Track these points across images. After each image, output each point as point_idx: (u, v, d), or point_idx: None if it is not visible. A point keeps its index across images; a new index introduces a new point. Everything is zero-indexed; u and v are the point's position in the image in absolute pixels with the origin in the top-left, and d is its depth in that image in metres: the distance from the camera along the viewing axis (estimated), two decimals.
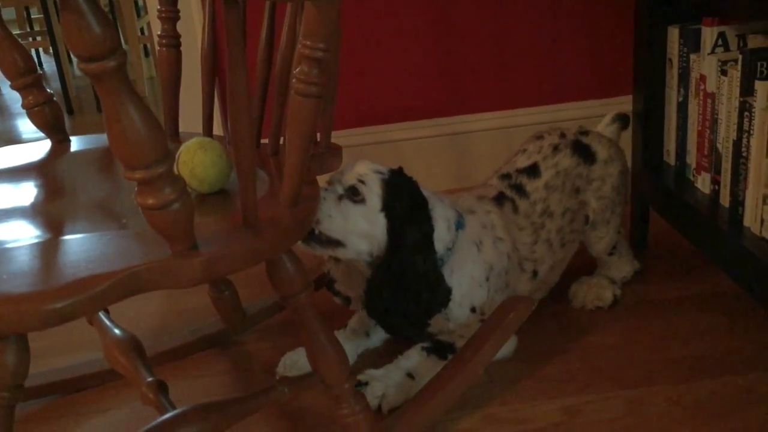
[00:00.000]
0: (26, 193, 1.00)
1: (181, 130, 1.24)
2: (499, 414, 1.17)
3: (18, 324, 0.72)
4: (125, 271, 0.76)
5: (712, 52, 1.35)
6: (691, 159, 1.44)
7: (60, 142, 1.20)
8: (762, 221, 1.20)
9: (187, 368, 1.34)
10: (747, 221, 1.24)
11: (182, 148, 0.99)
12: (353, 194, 1.15)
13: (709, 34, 1.35)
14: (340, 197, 1.15)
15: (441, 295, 1.17)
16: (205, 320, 1.44)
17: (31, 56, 1.16)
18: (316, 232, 1.14)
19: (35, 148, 1.18)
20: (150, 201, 0.75)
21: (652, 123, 1.54)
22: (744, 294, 1.41)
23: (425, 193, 1.21)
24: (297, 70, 0.87)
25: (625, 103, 1.85)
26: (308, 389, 1.01)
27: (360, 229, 1.15)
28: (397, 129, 1.96)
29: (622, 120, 1.56)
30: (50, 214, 0.94)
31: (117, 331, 1.10)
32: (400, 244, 1.14)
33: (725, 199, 1.32)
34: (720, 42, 1.35)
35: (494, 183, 1.38)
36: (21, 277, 0.76)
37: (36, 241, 0.85)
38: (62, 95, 3.48)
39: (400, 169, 1.21)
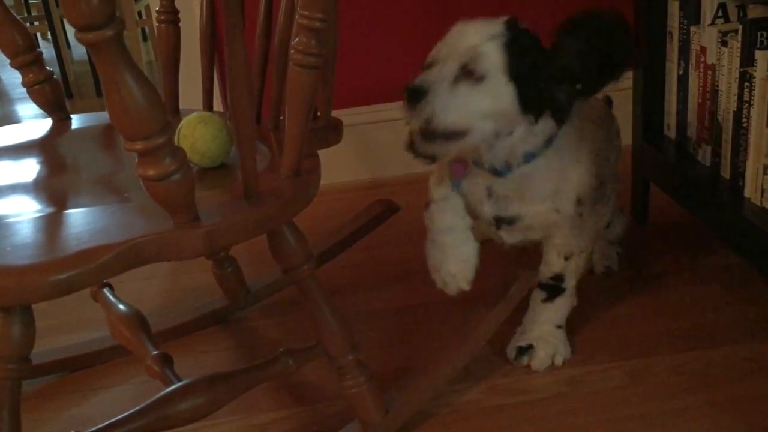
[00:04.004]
0: (28, 169, 1.01)
1: (180, 106, 1.24)
2: (502, 385, 1.17)
3: (23, 295, 0.72)
4: (128, 243, 0.76)
5: (713, 23, 1.34)
6: (692, 132, 1.44)
7: (61, 120, 1.20)
8: (762, 191, 1.20)
9: (191, 345, 1.35)
10: (748, 192, 1.24)
11: (183, 122, 0.99)
12: (470, 74, 0.99)
13: (709, 6, 1.35)
14: (456, 79, 0.99)
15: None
16: (209, 298, 1.44)
17: (30, 34, 1.15)
18: (426, 130, 1.01)
19: (37, 126, 1.18)
20: (150, 172, 0.75)
21: (653, 96, 1.54)
22: (745, 265, 1.42)
23: None
24: (295, 40, 0.87)
25: (625, 78, 1.84)
26: (312, 361, 1.01)
27: (485, 109, 0.99)
28: (396, 108, 1.95)
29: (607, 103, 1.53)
30: (53, 189, 0.94)
31: (122, 306, 1.11)
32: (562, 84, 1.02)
33: (726, 171, 1.32)
34: (720, 13, 1.34)
35: None
36: (25, 249, 0.77)
37: (39, 214, 0.85)
38: (61, 80, 3.47)
39: (515, 21, 1.03)
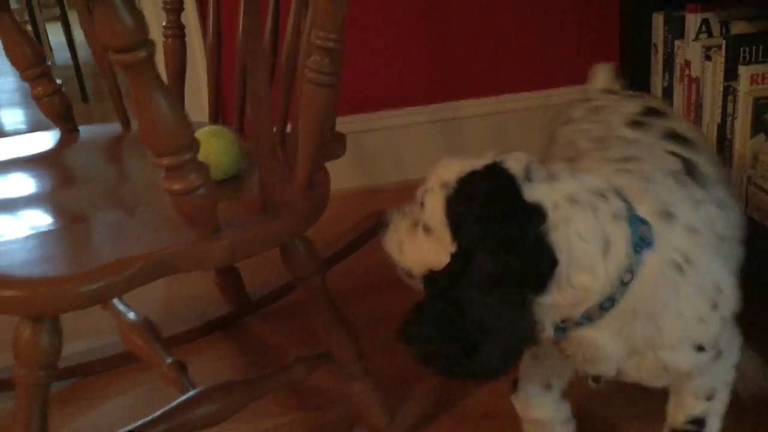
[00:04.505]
0: (46, 181, 1.03)
1: None
2: (504, 388, 1.20)
3: (56, 305, 0.75)
4: (153, 255, 0.79)
5: (696, 38, 1.40)
6: None
7: (69, 131, 1.22)
8: (747, 201, 1.26)
9: (194, 352, 1.38)
10: None
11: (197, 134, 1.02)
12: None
13: (693, 21, 1.41)
14: (416, 222, 0.83)
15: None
16: (210, 306, 1.47)
17: (39, 47, 1.18)
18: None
19: (46, 138, 1.20)
20: (176, 186, 0.78)
21: None
22: None
23: (574, 195, 0.76)
24: (310, 60, 0.90)
25: None
26: (321, 368, 1.05)
27: (431, 261, 0.81)
28: (389, 116, 2.00)
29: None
30: (71, 202, 0.96)
31: (131, 315, 1.13)
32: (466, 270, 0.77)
33: None
34: (704, 28, 1.40)
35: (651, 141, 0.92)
36: (54, 260, 0.80)
37: (62, 227, 0.88)
38: (76, 82, 3.42)
39: (492, 165, 0.79)
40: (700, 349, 0.83)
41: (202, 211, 0.81)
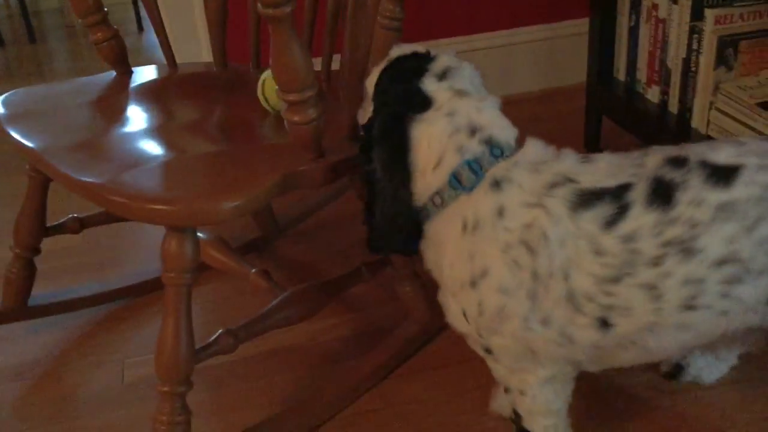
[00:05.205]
0: (132, 117, 1.15)
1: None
2: None
3: (208, 217, 0.91)
4: (279, 174, 0.95)
5: None
6: (642, 75, 1.73)
7: (123, 73, 1.33)
8: (708, 122, 1.50)
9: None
10: (694, 123, 1.54)
11: (265, 75, 1.16)
12: None
13: None
14: None
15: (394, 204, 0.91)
16: (243, 229, 1.62)
17: None
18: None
19: (104, 78, 1.31)
20: (296, 118, 0.94)
21: (605, 44, 1.81)
22: None
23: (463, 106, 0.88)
24: (381, 7, 1.06)
25: (578, 26, 2.11)
26: (381, 272, 1.24)
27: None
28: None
29: None
30: (170, 135, 1.10)
31: (201, 234, 1.26)
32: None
33: (674, 107, 1.61)
34: None
35: (648, 164, 0.86)
36: (191, 181, 0.95)
37: (175, 156, 1.02)
38: None
39: (419, 54, 0.94)
40: (464, 315, 0.89)
41: (314, 139, 0.97)
